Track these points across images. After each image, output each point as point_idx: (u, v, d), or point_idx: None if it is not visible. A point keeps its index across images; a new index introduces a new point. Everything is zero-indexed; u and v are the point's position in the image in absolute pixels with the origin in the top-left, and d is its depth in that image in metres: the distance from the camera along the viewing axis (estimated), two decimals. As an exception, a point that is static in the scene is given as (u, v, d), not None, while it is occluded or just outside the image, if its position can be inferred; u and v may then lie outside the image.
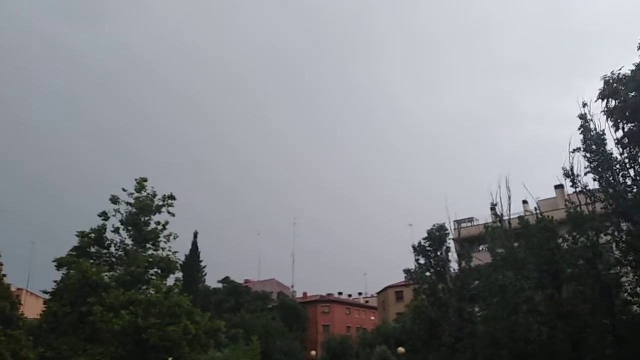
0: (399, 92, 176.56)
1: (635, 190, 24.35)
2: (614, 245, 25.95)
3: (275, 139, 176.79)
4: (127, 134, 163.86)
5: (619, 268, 25.82)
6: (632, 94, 23.45)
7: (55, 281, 22.33)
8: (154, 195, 23.57)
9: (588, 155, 25.32)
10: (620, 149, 25.15)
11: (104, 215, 23.12)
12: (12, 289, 45.39)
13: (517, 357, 29.74)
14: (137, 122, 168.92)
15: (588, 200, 26.58)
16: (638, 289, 24.28)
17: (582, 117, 25.89)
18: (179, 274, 27.19)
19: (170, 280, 23.36)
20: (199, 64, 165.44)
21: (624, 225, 24.98)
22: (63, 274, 21.92)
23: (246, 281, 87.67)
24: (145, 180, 23.71)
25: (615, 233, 24.91)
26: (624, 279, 25.73)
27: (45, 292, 22.71)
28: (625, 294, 25.33)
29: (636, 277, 24.44)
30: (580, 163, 26.14)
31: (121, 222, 22.87)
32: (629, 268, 25.03)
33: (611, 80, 23.71)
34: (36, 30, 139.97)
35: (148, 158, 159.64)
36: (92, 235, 22.45)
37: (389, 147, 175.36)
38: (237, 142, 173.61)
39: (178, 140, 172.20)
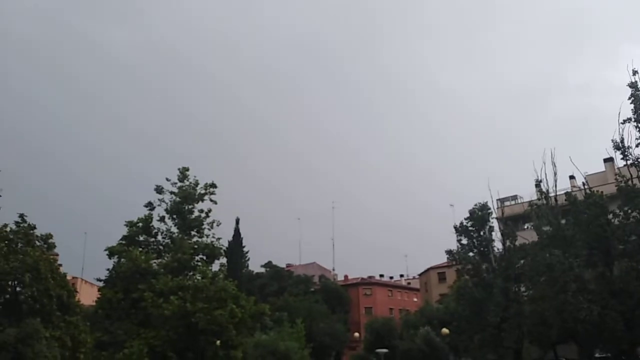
0: (437, 68, 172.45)
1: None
2: (669, 219, 24.79)
3: (312, 122, 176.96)
4: (167, 132, 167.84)
5: (674, 243, 24.70)
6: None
7: (107, 269, 23.37)
8: (197, 184, 24.12)
9: (639, 125, 24.14)
10: (674, 118, 23.88)
11: (150, 205, 23.87)
12: (68, 278, 47.88)
13: (567, 337, 29.10)
14: (177, 119, 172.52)
15: (640, 174, 25.42)
16: (695, 264, 23.19)
17: (633, 85, 24.63)
18: (223, 260, 27.89)
19: (215, 266, 24.01)
20: (232, 54, 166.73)
21: (679, 198, 23.82)
22: (114, 262, 22.88)
23: (288, 265, 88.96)
24: (187, 169, 24.30)
25: (670, 206, 23.77)
26: (680, 254, 24.62)
27: (99, 280, 23.84)
28: (682, 270, 24.25)
29: (693, 251, 23.34)
30: (631, 134, 24.99)
31: (166, 211, 23.58)
32: (685, 243, 23.91)
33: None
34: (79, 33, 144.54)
35: (188, 153, 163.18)
36: (140, 224, 23.26)
37: (429, 125, 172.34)
38: (273, 127, 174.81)
39: (216, 130, 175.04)
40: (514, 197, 50.42)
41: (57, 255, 45.56)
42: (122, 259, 21.78)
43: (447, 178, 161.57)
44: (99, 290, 23.86)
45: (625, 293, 24.08)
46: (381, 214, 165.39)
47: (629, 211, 25.05)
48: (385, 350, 29.07)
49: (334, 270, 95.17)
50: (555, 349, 37.91)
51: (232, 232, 65.25)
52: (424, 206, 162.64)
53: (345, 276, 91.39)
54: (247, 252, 71.11)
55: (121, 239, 22.85)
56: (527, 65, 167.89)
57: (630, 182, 25.23)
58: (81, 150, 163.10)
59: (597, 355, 30.39)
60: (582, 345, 26.17)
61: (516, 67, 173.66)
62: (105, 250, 22.52)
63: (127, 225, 23.09)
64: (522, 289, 31.11)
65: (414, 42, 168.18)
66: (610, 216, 26.12)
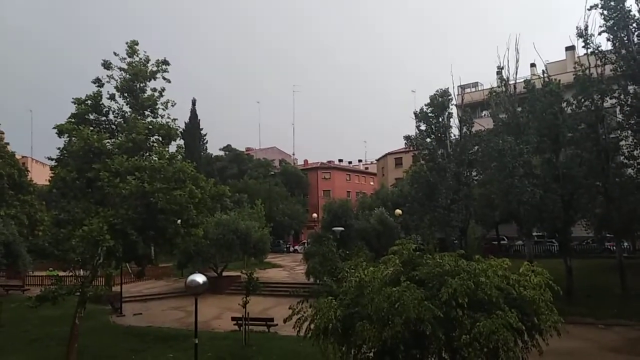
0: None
1: (649, 51, 23.35)
2: (617, 109, 25.69)
3: (280, 1, 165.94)
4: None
5: (619, 132, 25.93)
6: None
7: (58, 148, 22.33)
8: (147, 60, 22.34)
9: (605, 12, 23.79)
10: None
11: (98, 81, 22.19)
12: (18, 157, 46.27)
13: (509, 217, 31.31)
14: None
15: (598, 63, 25.67)
16: (636, 152, 24.58)
17: (605, -31, 23.79)
18: (180, 142, 27.16)
19: (171, 148, 23.30)
20: None
21: (631, 89, 24.49)
22: (65, 141, 21.81)
23: (248, 149, 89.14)
24: (136, 43, 22.32)
25: (622, 96, 24.52)
26: (622, 142, 25.96)
27: (50, 159, 22.82)
28: (622, 157, 25.75)
29: (635, 140, 24.62)
30: (595, 22, 24.78)
31: (116, 88, 22.04)
32: (629, 132, 25.12)
33: None
34: None
35: (146, 20, 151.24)
36: (89, 102, 21.81)
37: (397, 9, 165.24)
38: (238, 3, 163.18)
39: (177, 3, 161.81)
40: (475, 84, 50.78)
41: (3, 133, 43.59)
42: (73, 138, 20.76)
43: (411, 65, 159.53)
44: (51, 169, 23.01)
45: (567, 178, 25.60)
46: (343, 99, 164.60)
47: (582, 100, 25.71)
48: (341, 228, 30.55)
49: (294, 155, 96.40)
50: (497, 228, 41.09)
51: (189, 114, 63.71)
52: (385, 93, 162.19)
53: (305, 161, 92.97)
54: (205, 135, 70.21)
55: (70, 117, 21.55)
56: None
57: (588, 71, 25.53)
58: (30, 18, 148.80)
59: (534, 233, 33.15)
60: (521, 225, 28.26)
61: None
62: (54, 128, 21.30)
63: (74, 103, 21.63)
64: (474, 173, 32.54)
65: None
66: (564, 105, 26.79)
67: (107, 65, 22.14)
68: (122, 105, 22.78)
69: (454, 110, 33.07)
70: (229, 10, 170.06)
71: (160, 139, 23.11)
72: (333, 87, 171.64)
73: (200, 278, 13.25)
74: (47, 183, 24.92)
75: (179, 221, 21.58)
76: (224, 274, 37.03)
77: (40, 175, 43.57)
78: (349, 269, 10.35)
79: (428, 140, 32.22)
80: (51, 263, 35.18)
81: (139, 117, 22.24)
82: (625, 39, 23.91)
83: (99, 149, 20.73)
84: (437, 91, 31.77)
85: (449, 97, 32.03)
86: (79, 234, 19.04)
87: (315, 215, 54.60)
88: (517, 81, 29.90)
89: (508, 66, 29.67)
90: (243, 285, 23.72)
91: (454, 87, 35.30)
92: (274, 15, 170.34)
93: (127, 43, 22.26)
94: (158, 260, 39.48)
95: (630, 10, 23.71)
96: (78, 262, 21.59)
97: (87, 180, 21.11)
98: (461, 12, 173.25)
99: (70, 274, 25.57)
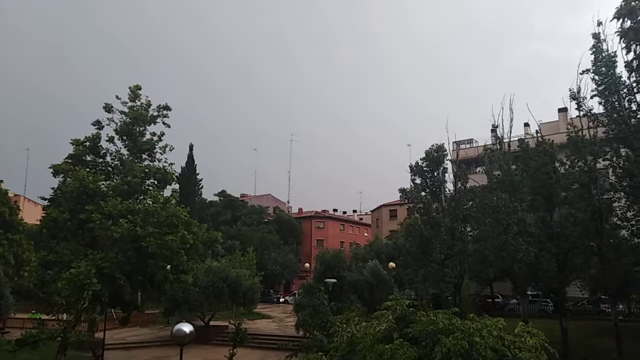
0: (400, 6, 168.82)
1: (639, 116, 23.95)
2: (610, 170, 26.02)
3: (276, 51, 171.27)
4: (128, 39, 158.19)
5: (612, 193, 26.14)
6: (650, 14, 22.23)
7: (52, 188, 22.29)
8: (149, 105, 22.80)
9: (597, 77, 24.59)
10: (629, 73, 24.40)
11: (98, 124, 22.50)
12: (10, 195, 45.97)
13: (504, 275, 30.98)
14: (139, 29, 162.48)
15: (591, 125, 26.27)
16: (629, 213, 24.69)
17: (596, 36, 24.80)
18: (176, 186, 27.20)
19: (166, 192, 23.34)
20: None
21: (623, 151, 24.88)
22: (60, 181, 21.81)
23: (243, 195, 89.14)
24: (139, 88, 22.83)
25: (614, 158, 24.87)
26: (616, 204, 26.12)
27: (43, 198, 22.72)
28: (615, 219, 25.83)
29: (628, 202, 24.78)
30: (588, 86, 25.50)
31: (116, 131, 22.32)
32: (622, 193, 25.31)
33: (631, -1, 22.32)
34: None
35: (147, 64, 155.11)
36: (87, 143, 21.99)
37: (392, 68, 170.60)
38: (237, 52, 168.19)
39: (178, 48, 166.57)
40: (470, 141, 51.64)
41: (-3, 170, 43.33)
42: (68, 179, 20.77)
43: (406, 122, 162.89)
44: (43, 209, 22.87)
45: (561, 237, 25.57)
46: (338, 151, 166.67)
47: (576, 160, 26.10)
48: (333, 280, 30.04)
49: (288, 202, 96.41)
50: (491, 285, 40.55)
51: (185, 159, 64.04)
52: (381, 147, 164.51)
53: (300, 209, 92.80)
54: (200, 180, 70.25)
55: (67, 158, 21.67)
56: (493, 9, 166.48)
57: (580, 133, 26.08)
58: (30, 61, 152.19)
59: (528, 292, 32.69)
60: (516, 283, 27.94)
61: (477, 8, 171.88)
62: (50, 167, 21.36)
63: (73, 144, 21.82)
64: (468, 229, 32.42)
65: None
66: (558, 164, 27.18)
67: (108, 108, 22.55)
68: (120, 147, 23.06)
69: (449, 165, 33.39)
70: (229, 59, 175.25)
71: (156, 182, 23.19)
72: (330, 138, 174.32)
73: (187, 327, 12.86)
74: (38, 222, 24.70)
75: (168, 267, 21.26)
76: (212, 323, 36.03)
77: (32, 215, 43.14)
78: (341, 323, 10.11)
79: (423, 194, 32.29)
80: (35, 305, 34.18)
81: (136, 160, 22.42)
82: (616, 103, 24.57)
83: (94, 190, 20.74)
84: (432, 146, 32.17)
85: (444, 152, 32.40)
86: (65, 277, 18.66)
87: (307, 265, 53.87)
88: (512, 139, 30.43)
89: (502, 124, 30.28)
90: (231, 337, 23.05)
91: (449, 143, 35.87)
92: (274, 67, 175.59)
93: (130, 87, 22.75)
94: (144, 306, 38.58)
95: (620, 76, 24.51)
96: (62, 305, 21.02)
97: (78, 222, 20.96)
98: (455, 70, 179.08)
99: (53, 317, 24.78)
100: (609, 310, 29.41)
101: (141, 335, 36.14)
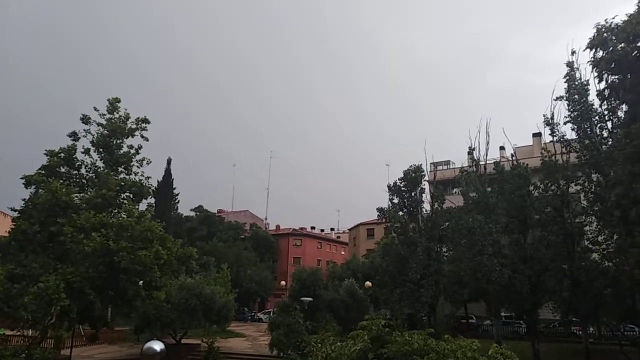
0: (371, 31, 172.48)
1: (610, 142, 24.70)
2: (582, 195, 26.70)
3: (252, 82, 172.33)
4: (98, 60, 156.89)
5: (584, 217, 26.76)
6: (621, 45, 23.10)
7: (23, 200, 21.70)
8: (127, 117, 22.57)
9: (570, 104, 25.36)
10: (601, 101, 25.23)
11: (74, 135, 22.11)
12: (-21, 206, 44.38)
13: (478, 296, 31.23)
14: (109, 47, 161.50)
15: (564, 150, 26.99)
16: (599, 237, 25.27)
17: (570, 65, 25.68)
18: (152, 200, 26.82)
19: (142, 206, 22.97)
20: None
21: (594, 177, 25.59)
22: (31, 192, 21.25)
23: (219, 211, 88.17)
24: (118, 100, 22.58)
25: (586, 183, 25.54)
26: (587, 227, 26.75)
27: (13, 209, 22.09)
28: (587, 242, 26.41)
29: (599, 226, 25.38)
30: (561, 112, 26.34)
31: (92, 143, 21.96)
32: (593, 217, 25.94)
33: (603, 30, 23.20)
34: None
35: (121, 83, 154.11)
36: (62, 155, 21.54)
37: (366, 97, 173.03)
38: (215, 76, 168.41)
39: (156, 69, 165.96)
40: (447, 162, 52.42)
41: (-33, 180, 42.01)
42: (41, 190, 20.26)
43: (388, 140, 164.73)
44: (13, 221, 22.23)
45: (535, 259, 26.00)
46: (315, 172, 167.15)
47: (549, 184, 26.72)
48: (309, 299, 29.80)
49: (266, 219, 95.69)
50: (466, 306, 40.80)
51: (162, 173, 63.29)
52: (360, 166, 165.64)
53: (277, 226, 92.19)
54: (177, 195, 69.40)
55: (40, 169, 21.17)
56: (469, 33, 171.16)
57: (554, 158, 26.76)
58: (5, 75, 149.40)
59: (502, 313, 32.97)
60: (490, 304, 28.16)
61: (455, 36, 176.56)
62: (22, 178, 20.82)
63: (47, 155, 21.35)
64: (444, 249, 32.69)
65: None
66: (531, 188, 27.76)
67: (85, 120, 22.23)
68: (96, 160, 22.69)
69: (426, 186, 33.78)
70: (208, 88, 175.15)
71: (132, 196, 22.83)
72: (307, 161, 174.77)
73: (157, 346, 12.52)
74: (7, 234, 23.93)
75: (141, 282, 20.78)
76: (184, 341, 35.15)
77: (0, 227, 41.80)
78: (316, 342, 10.01)
79: (400, 213, 32.52)
80: (-1, 320, 32.90)
81: (112, 173, 22.05)
82: (588, 130, 25.35)
83: (66, 202, 20.26)
84: (410, 166, 32.56)
85: (422, 173, 32.79)
86: (33, 291, 18.06)
87: (283, 282, 53.36)
88: (487, 162, 31.01)
89: (479, 147, 30.92)
90: (203, 355, 22.53)
91: (426, 164, 36.27)
92: (251, 102, 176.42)
93: (108, 100, 22.53)
94: (114, 322, 37.50)
95: (592, 104, 25.34)
96: (28, 320, 20.30)
97: (49, 234, 20.39)
98: (438, 93, 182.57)
99: (18, 333, 23.90)
100: (580, 332, 29.84)
101: (110, 352, 35.00)
